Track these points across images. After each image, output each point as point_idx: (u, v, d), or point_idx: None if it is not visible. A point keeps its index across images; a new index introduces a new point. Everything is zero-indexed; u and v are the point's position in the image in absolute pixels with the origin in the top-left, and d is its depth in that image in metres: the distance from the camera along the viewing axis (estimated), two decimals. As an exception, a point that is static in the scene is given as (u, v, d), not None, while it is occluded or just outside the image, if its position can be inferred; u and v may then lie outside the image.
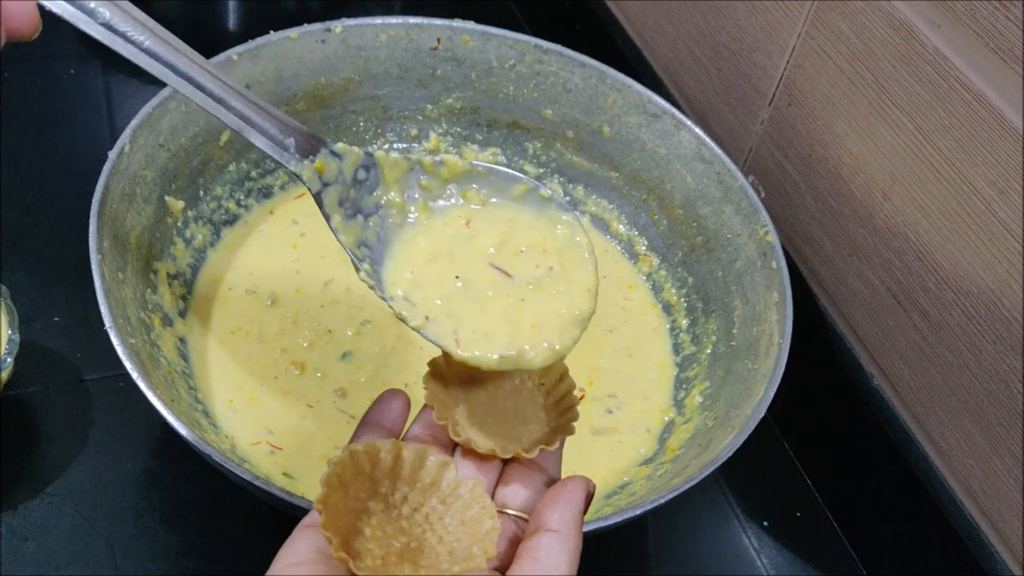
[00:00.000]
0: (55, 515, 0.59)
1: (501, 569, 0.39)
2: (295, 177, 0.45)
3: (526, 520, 0.41)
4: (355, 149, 0.46)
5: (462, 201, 0.47)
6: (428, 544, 0.39)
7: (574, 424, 0.44)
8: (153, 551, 0.59)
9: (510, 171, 0.47)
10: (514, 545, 0.40)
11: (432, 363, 0.45)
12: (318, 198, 0.45)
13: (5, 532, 0.58)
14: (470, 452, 0.43)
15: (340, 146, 0.45)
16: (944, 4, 0.55)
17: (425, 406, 0.44)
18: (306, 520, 0.38)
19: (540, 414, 0.45)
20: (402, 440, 0.43)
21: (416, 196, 0.46)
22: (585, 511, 0.40)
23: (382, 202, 0.46)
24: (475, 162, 0.47)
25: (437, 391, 0.44)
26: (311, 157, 0.45)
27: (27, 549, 0.58)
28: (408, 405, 0.44)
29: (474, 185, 0.47)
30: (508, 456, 0.42)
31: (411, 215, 0.46)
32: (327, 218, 0.45)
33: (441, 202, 0.47)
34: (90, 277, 0.56)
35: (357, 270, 0.44)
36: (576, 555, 0.38)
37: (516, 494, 0.42)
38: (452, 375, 0.45)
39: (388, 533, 0.39)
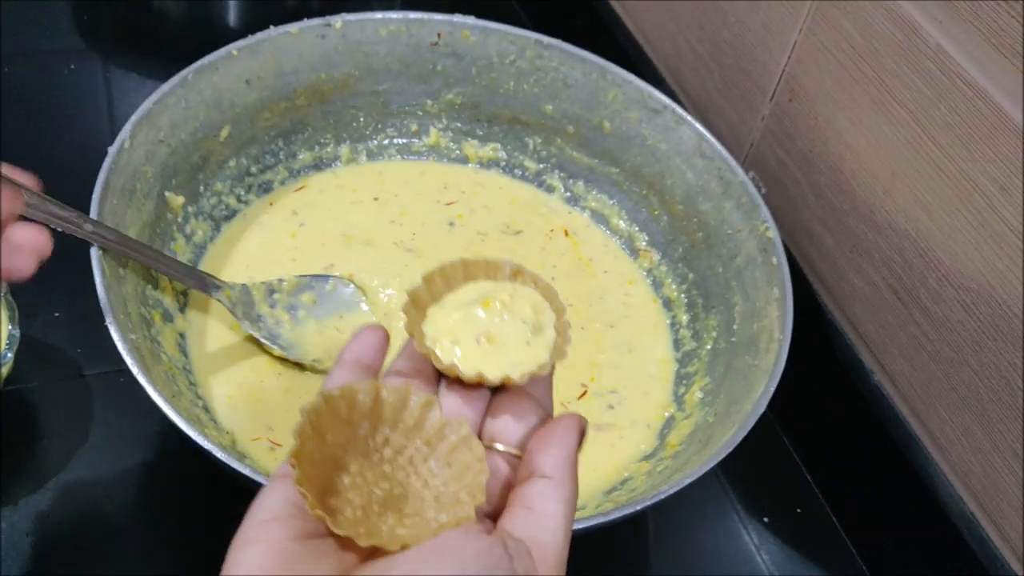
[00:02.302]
0: (55, 510, 0.59)
1: (492, 514, 0.37)
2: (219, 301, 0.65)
3: (516, 457, 0.38)
4: (237, 285, 0.66)
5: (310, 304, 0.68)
6: (413, 489, 0.36)
7: (567, 349, 0.41)
8: (153, 546, 0.59)
9: (324, 275, 0.69)
10: (505, 486, 0.37)
11: (412, 293, 0.42)
12: (234, 313, 0.65)
13: (5, 527, 0.58)
14: (455, 383, 0.40)
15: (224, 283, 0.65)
16: (946, 1, 0.55)
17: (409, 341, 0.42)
18: (281, 470, 0.35)
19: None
20: (383, 378, 0.40)
21: (275, 306, 0.67)
22: (579, 450, 0.38)
23: (261, 312, 0.66)
24: (301, 276, 0.69)
25: (417, 319, 0.42)
26: (220, 290, 0.65)
27: (27, 544, 0.58)
28: (387, 340, 0.41)
29: (308, 291, 0.68)
30: (496, 383, 0.40)
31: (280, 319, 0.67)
32: (241, 324, 0.65)
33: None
34: (91, 272, 0.56)
35: (271, 351, 0.65)
36: (572, 502, 0.36)
37: (505, 427, 0.39)
38: (432, 299, 0.43)
39: (369, 480, 0.36)
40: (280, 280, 0.68)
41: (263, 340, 0.65)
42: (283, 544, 0.32)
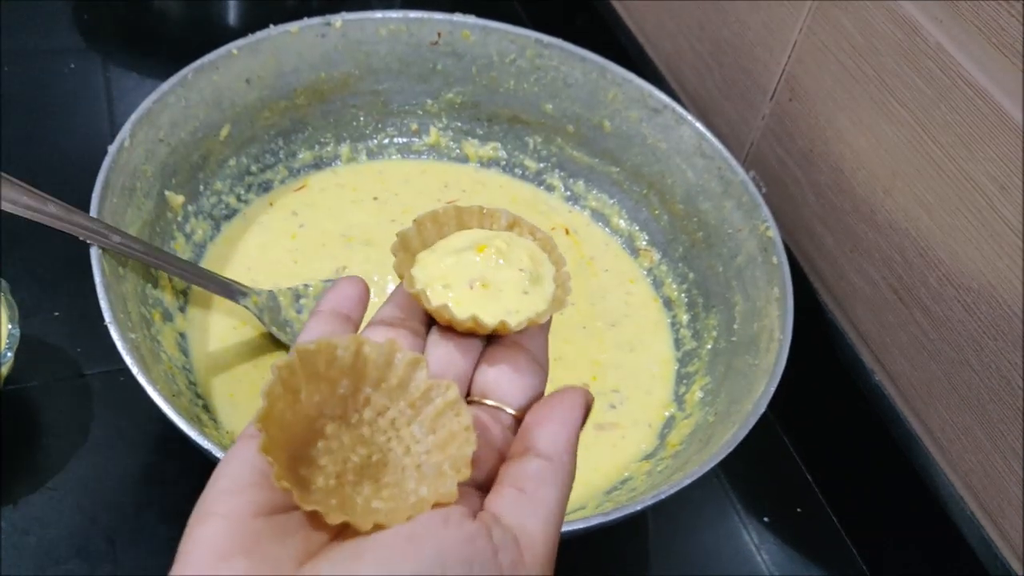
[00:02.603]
0: (55, 510, 0.59)
1: (478, 481, 0.33)
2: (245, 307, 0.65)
3: (509, 415, 0.35)
4: (263, 291, 0.66)
5: None
6: (393, 456, 0.33)
7: (567, 299, 0.39)
8: (153, 546, 0.59)
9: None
10: (494, 449, 0.34)
11: (401, 234, 0.39)
12: (261, 320, 0.65)
13: (5, 526, 0.58)
14: (447, 330, 0.37)
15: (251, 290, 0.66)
16: (946, 0, 0.55)
17: (399, 287, 0.39)
18: (247, 430, 0.32)
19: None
20: (365, 330, 0.37)
21: (301, 312, 0.67)
22: (582, 428, 0.34)
23: (288, 318, 0.66)
24: (327, 280, 0.69)
25: (406, 263, 0.39)
26: (247, 297, 0.65)
27: (27, 543, 0.58)
28: (367, 293, 0.38)
29: None
30: (489, 329, 0.36)
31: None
32: (269, 330, 0.65)
33: None
34: (90, 272, 0.56)
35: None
36: (569, 487, 0.32)
37: (498, 381, 0.36)
38: (423, 245, 0.40)
39: (346, 444, 0.33)
40: (306, 285, 0.68)
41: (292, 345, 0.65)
42: (244, 520, 0.29)
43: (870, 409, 0.66)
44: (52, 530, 0.59)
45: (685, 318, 0.72)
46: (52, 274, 0.70)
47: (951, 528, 0.60)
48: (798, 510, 0.68)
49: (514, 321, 0.36)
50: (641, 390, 0.68)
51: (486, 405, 0.35)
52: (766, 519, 0.67)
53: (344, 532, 0.30)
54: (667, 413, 0.67)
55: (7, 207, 0.57)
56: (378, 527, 0.29)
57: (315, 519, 0.30)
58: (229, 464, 0.31)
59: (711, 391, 0.65)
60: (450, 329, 0.37)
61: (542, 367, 0.37)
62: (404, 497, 0.31)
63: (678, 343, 0.72)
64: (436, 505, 0.30)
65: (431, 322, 0.37)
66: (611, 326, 0.72)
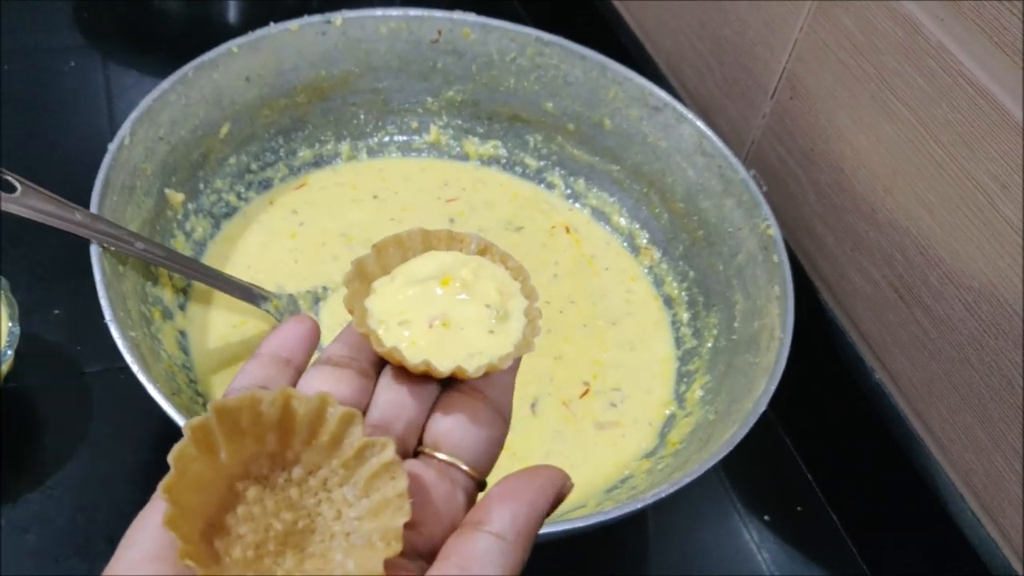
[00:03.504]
0: (55, 508, 0.59)
1: (424, 552, 0.30)
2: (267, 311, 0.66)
3: (463, 471, 0.32)
4: (284, 294, 0.67)
5: None
6: (322, 521, 0.30)
7: (534, 341, 0.35)
8: (153, 544, 0.59)
9: None
10: (441, 514, 0.31)
11: (357, 262, 0.36)
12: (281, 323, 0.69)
13: (5, 525, 0.58)
14: (400, 372, 0.34)
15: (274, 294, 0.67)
16: (947, -2, 0.55)
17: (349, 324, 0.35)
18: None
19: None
20: (312, 366, 0.34)
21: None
22: (548, 514, 0.31)
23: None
24: None
25: (361, 294, 0.35)
26: (268, 301, 0.66)
27: (27, 542, 0.58)
28: (316, 333, 0.35)
29: None
30: (445, 375, 0.33)
31: None
32: None
33: None
34: (90, 270, 0.56)
35: None
36: (518, 572, 0.29)
37: (450, 431, 0.32)
38: (383, 271, 0.37)
39: (269, 509, 0.30)
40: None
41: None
42: None
43: (871, 408, 0.66)
44: (52, 529, 0.59)
45: (686, 316, 0.72)
46: (52, 272, 0.70)
47: (951, 527, 0.60)
48: (798, 509, 0.68)
49: (473, 366, 0.33)
50: (641, 389, 0.68)
51: (437, 459, 0.32)
52: (766, 518, 0.67)
53: None
54: (667, 412, 0.67)
55: (34, 216, 0.57)
56: None
57: None
58: (138, 531, 0.29)
59: (711, 390, 0.65)
60: (404, 371, 0.33)
61: (503, 418, 0.34)
62: (329, 570, 0.29)
63: (679, 341, 0.72)
64: None
65: (383, 361, 0.34)
66: (612, 325, 0.72)
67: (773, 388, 0.58)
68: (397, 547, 0.28)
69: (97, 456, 0.62)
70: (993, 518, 0.59)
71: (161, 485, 0.28)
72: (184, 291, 0.66)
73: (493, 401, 0.33)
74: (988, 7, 0.52)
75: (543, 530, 0.50)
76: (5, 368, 0.58)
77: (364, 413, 0.33)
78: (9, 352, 0.58)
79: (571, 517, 0.50)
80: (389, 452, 0.30)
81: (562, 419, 0.65)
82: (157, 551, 0.28)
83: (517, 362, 0.35)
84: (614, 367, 0.69)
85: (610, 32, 0.92)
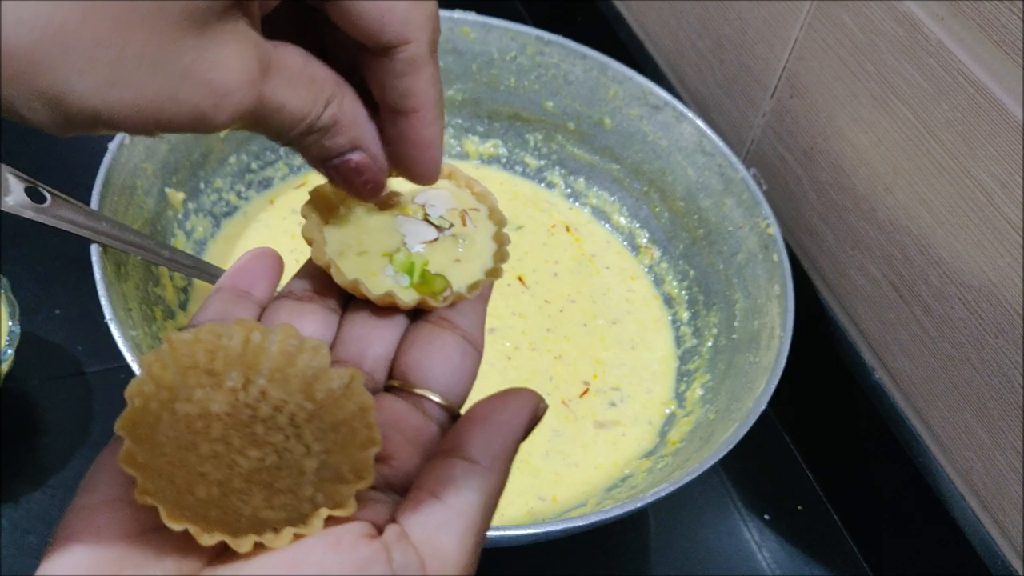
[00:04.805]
0: (56, 508, 0.59)
1: (397, 485, 0.29)
2: None
3: (436, 403, 0.31)
4: None
5: None
6: (290, 458, 0.28)
7: (501, 267, 0.33)
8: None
9: None
10: (414, 445, 0.29)
11: (315, 191, 0.34)
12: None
13: (6, 525, 0.58)
14: (365, 306, 0.32)
15: None
16: (947, -4, 0.55)
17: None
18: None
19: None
20: (272, 303, 0.33)
21: None
22: (524, 438, 0.29)
23: None
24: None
25: (317, 224, 0.33)
26: None
27: (28, 542, 0.58)
28: (279, 266, 0.34)
29: None
30: (410, 305, 0.31)
31: None
32: None
33: None
34: (91, 269, 0.56)
35: None
36: (495, 497, 0.28)
37: (420, 364, 0.31)
38: (340, 201, 0.35)
39: (234, 446, 0.28)
40: None
41: None
42: (104, 544, 0.26)
43: (870, 407, 0.66)
44: (53, 528, 0.59)
45: (686, 315, 0.72)
46: (53, 271, 0.70)
47: (952, 526, 0.60)
48: (799, 508, 0.68)
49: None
50: (642, 388, 0.68)
51: (408, 391, 0.31)
52: (767, 517, 0.67)
53: (225, 553, 0.26)
54: (668, 410, 0.67)
55: (62, 225, 0.57)
56: (259, 548, 0.26)
57: (190, 539, 0.25)
58: (93, 475, 0.27)
59: (712, 388, 0.65)
60: (369, 303, 0.32)
61: (475, 348, 0.32)
62: (298, 506, 0.27)
63: (679, 340, 0.72)
64: (330, 519, 0.26)
65: (348, 295, 0.33)
66: (612, 324, 0.72)
67: (773, 387, 0.58)
68: (369, 479, 0.27)
69: (98, 456, 0.62)
70: (993, 516, 0.59)
71: (117, 422, 0.26)
72: (185, 290, 0.66)
73: (463, 330, 0.32)
74: (988, 6, 0.52)
75: (543, 529, 0.51)
76: (5, 367, 0.58)
77: (331, 347, 0.32)
78: (10, 351, 0.58)
79: (571, 516, 0.50)
80: (356, 381, 0.29)
81: (562, 418, 0.65)
82: (115, 492, 0.27)
83: (488, 289, 0.33)
84: (614, 366, 0.69)
85: (610, 31, 0.92)
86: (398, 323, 0.32)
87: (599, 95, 0.75)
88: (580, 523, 0.51)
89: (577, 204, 0.79)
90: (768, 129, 0.74)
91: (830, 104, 0.66)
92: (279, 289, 0.34)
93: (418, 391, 0.31)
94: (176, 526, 0.25)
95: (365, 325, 0.32)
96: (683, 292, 0.73)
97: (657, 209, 0.76)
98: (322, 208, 0.34)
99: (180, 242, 0.68)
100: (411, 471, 0.29)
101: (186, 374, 0.28)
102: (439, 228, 0.34)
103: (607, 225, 0.78)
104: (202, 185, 0.70)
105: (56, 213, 0.57)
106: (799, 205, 0.71)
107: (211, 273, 0.64)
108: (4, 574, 0.56)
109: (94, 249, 0.57)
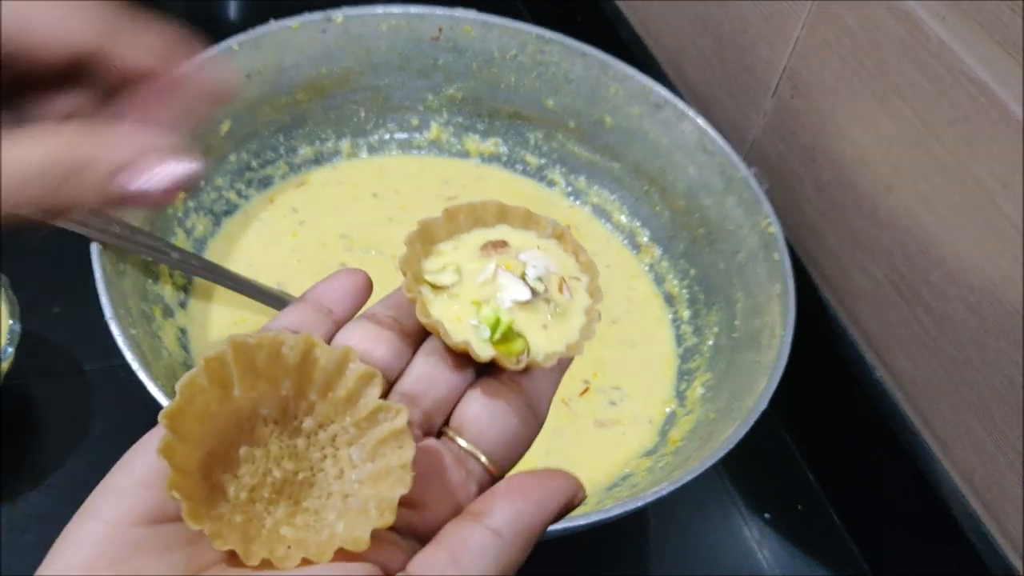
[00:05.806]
0: (55, 506, 0.59)
1: (420, 533, 0.29)
2: None
3: (481, 463, 0.30)
4: None
5: None
6: (323, 478, 0.29)
7: (583, 344, 0.33)
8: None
9: None
10: (447, 498, 0.29)
11: (423, 222, 0.33)
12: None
13: (5, 523, 0.58)
14: (440, 347, 0.32)
15: None
16: (949, -5, 0.55)
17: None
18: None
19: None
20: (353, 321, 0.32)
21: None
22: (556, 521, 0.29)
23: None
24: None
25: (417, 256, 0.33)
26: None
27: (26, 541, 0.58)
28: (368, 288, 0.33)
29: None
30: (484, 359, 0.31)
31: None
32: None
33: None
34: (91, 267, 0.56)
35: None
36: (512, 572, 0.28)
37: (477, 420, 0.31)
38: (447, 236, 0.34)
39: (273, 454, 0.29)
40: None
41: None
42: (123, 526, 0.26)
43: (871, 407, 0.66)
44: (51, 528, 0.58)
45: (686, 314, 0.72)
46: (53, 270, 0.70)
47: (953, 526, 0.60)
48: (799, 507, 0.68)
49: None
50: (642, 386, 0.68)
51: (457, 444, 0.31)
52: (767, 516, 0.67)
53: (234, 557, 0.27)
54: (668, 409, 0.67)
55: (75, 228, 0.57)
56: (266, 564, 0.26)
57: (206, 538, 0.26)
58: (133, 457, 0.28)
59: (712, 387, 0.65)
60: (445, 346, 0.32)
61: (536, 416, 0.32)
62: (318, 529, 0.28)
63: (679, 339, 0.72)
64: (340, 552, 0.27)
65: (427, 331, 0.32)
66: (612, 322, 0.72)
67: (774, 386, 0.57)
68: (390, 518, 0.27)
69: (97, 454, 0.62)
70: (994, 517, 0.59)
71: (163, 412, 0.27)
72: (185, 288, 0.66)
73: (529, 397, 0.31)
74: (988, 5, 0.52)
75: (543, 529, 0.50)
76: (5, 366, 0.58)
77: (397, 379, 0.32)
78: (9, 350, 0.58)
79: (572, 515, 0.50)
80: (401, 420, 0.29)
81: (562, 417, 0.65)
82: (147, 478, 0.27)
83: (566, 363, 0.32)
84: (615, 365, 0.69)
85: (611, 29, 0.91)
86: (467, 373, 0.32)
87: (600, 93, 0.75)
88: (580, 522, 0.51)
89: (578, 203, 0.79)
90: (769, 128, 0.74)
91: (831, 103, 0.66)
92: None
93: (467, 446, 0.30)
94: (194, 526, 0.26)
95: (436, 366, 0.31)
96: (684, 291, 0.73)
97: (658, 208, 0.76)
98: (426, 240, 0.34)
99: (180, 240, 0.68)
100: (438, 524, 0.28)
101: (243, 374, 0.29)
102: (534, 291, 0.33)
103: (608, 224, 0.78)
104: (202, 183, 0.70)
105: (72, 216, 0.57)
106: (800, 204, 0.71)
107: (218, 273, 0.64)
108: (3, 574, 0.56)
109: (94, 247, 0.57)
